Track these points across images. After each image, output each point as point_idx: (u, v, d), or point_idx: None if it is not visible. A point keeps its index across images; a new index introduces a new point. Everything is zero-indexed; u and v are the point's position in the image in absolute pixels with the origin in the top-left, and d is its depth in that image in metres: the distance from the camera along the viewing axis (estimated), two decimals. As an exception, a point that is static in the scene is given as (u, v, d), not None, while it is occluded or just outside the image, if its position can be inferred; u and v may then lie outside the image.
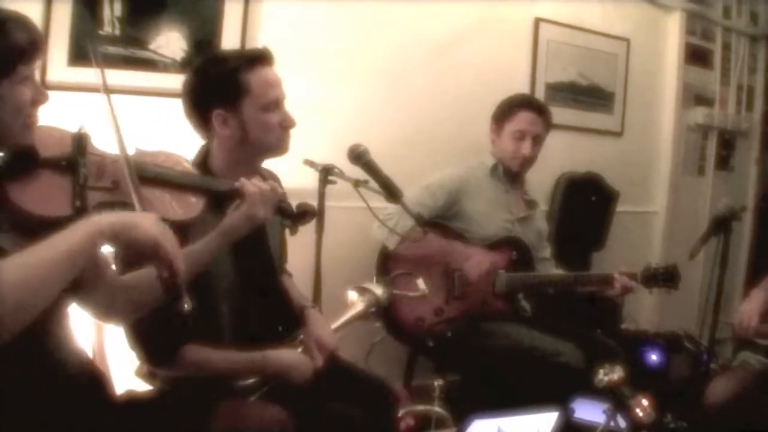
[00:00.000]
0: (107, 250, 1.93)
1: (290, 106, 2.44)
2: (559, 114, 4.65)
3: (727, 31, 5.78)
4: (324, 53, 3.50)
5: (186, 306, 1.68)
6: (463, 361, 3.41)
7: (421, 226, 3.00)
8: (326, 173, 2.58)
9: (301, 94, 2.81)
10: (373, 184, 2.53)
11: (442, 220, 3.54)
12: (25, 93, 1.60)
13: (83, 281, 1.85)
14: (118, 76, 3.10)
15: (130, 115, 3.07)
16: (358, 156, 2.56)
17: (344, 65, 3.73)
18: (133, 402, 2.00)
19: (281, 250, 2.68)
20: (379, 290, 2.61)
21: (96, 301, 1.93)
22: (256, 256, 2.43)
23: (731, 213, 3.47)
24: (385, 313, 2.65)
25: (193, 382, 2.21)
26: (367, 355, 3.14)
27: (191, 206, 1.97)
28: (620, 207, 5.00)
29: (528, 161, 3.65)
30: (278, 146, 2.42)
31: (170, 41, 3.28)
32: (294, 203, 2.30)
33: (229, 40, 3.41)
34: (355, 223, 3.35)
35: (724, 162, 5.88)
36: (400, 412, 2.53)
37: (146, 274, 1.87)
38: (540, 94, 4.58)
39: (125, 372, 2.62)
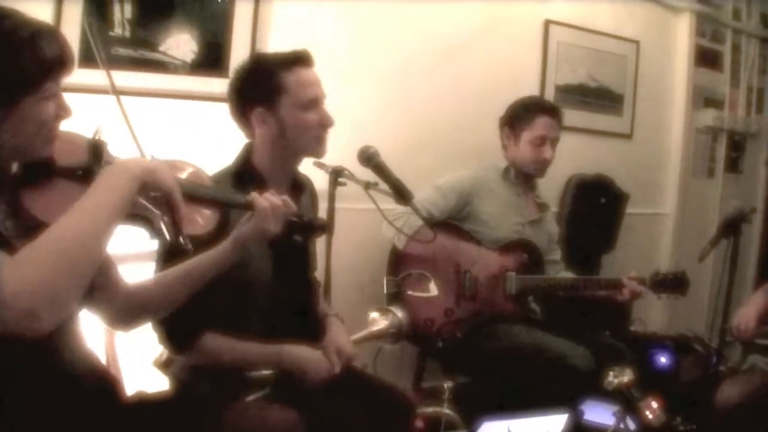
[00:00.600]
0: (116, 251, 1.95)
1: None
2: (569, 116, 4.63)
3: (737, 32, 5.76)
4: (334, 55, 3.51)
5: (188, 246, 1.72)
6: (472, 362, 3.41)
7: (431, 228, 3.01)
8: (336, 175, 2.60)
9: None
10: (383, 185, 2.54)
11: (454, 221, 3.53)
12: (49, 109, 1.59)
13: (93, 286, 1.86)
14: (128, 78, 3.11)
15: (140, 117, 3.10)
16: (369, 158, 2.57)
17: (354, 67, 3.73)
18: (143, 403, 2.01)
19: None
20: (400, 313, 2.61)
21: (105, 307, 1.94)
22: (293, 257, 2.47)
23: (741, 215, 3.47)
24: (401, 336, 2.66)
25: (207, 374, 2.27)
26: (375, 356, 3.13)
27: (207, 219, 1.96)
28: (630, 209, 4.98)
29: (547, 165, 3.66)
30: (316, 145, 2.48)
31: (180, 43, 3.28)
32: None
33: (239, 42, 3.40)
34: (365, 225, 3.35)
35: (733, 164, 5.86)
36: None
37: (153, 281, 1.88)
38: (550, 96, 4.57)
39: (137, 374, 2.63)
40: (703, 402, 3.15)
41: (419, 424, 2.57)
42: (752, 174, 6.01)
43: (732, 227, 3.45)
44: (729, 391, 3.04)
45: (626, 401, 2.43)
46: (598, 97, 4.90)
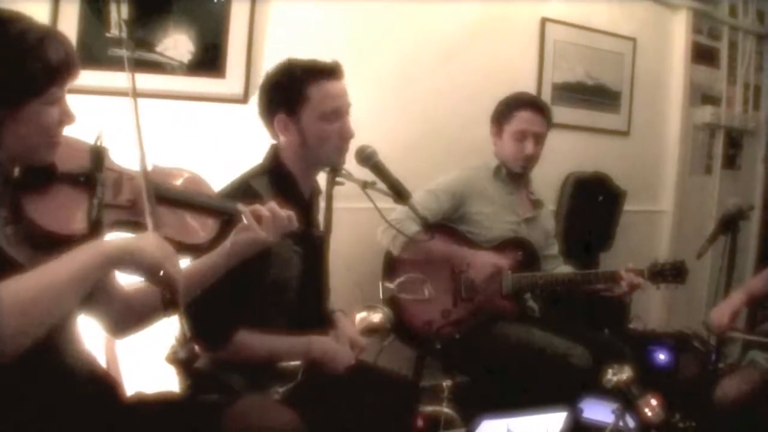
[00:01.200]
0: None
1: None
2: (566, 114, 4.66)
3: (734, 29, 5.77)
4: (330, 55, 3.50)
5: (186, 331, 1.69)
6: (471, 362, 3.41)
7: (427, 229, 3.02)
8: (334, 174, 2.60)
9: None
10: (381, 185, 2.54)
11: (448, 223, 3.53)
12: (53, 114, 1.59)
13: (91, 295, 1.86)
14: (125, 79, 3.10)
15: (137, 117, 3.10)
16: (367, 157, 2.57)
17: (351, 67, 3.70)
18: (143, 405, 2.01)
19: None
20: (387, 309, 2.63)
21: (103, 312, 1.94)
22: (316, 255, 2.54)
23: (739, 212, 3.47)
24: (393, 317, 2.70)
25: (237, 366, 2.35)
26: (375, 357, 3.14)
27: (207, 228, 1.96)
28: (627, 207, 4.99)
29: (531, 161, 3.64)
30: (335, 156, 2.54)
31: (177, 43, 3.28)
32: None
33: (236, 43, 3.41)
34: (364, 225, 3.35)
35: (731, 161, 5.87)
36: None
37: (151, 288, 1.88)
38: (547, 94, 4.58)
39: (136, 375, 2.63)
40: (703, 399, 3.15)
41: (419, 422, 2.58)
42: (750, 171, 6.02)
43: (730, 224, 3.46)
44: (728, 388, 3.04)
45: (625, 399, 2.43)
46: (595, 95, 4.91)
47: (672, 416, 3.12)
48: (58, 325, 1.72)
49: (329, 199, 2.61)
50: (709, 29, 5.60)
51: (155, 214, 1.75)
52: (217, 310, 2.05)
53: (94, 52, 3.04)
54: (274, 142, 2.62)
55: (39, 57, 1.54)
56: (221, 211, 2.00)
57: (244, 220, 1.98)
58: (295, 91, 2.48)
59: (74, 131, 1.71)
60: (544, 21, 4.59)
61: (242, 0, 3.42)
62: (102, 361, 2.21)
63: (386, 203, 2.63)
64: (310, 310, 2.58)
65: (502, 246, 3.54)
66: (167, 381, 2.53)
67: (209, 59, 3.37)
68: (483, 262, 3.43)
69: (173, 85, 3.27)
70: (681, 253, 3.60)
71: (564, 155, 4.71)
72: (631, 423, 2.42)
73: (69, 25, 2.96)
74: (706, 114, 5.53)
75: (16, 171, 1.62)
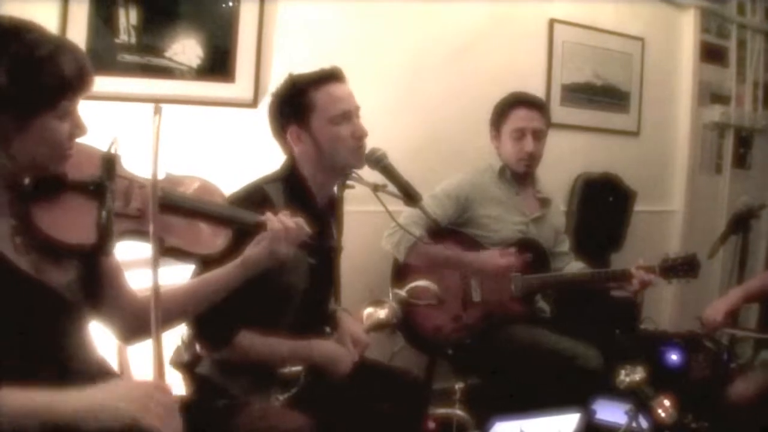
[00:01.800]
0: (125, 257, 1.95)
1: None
2: (575, 115, 4.66)
3: (742, 28, 5.75)
4: (339, 58, 3.49)
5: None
6: (482, 364, 3.40)
7: (434, 233, 3.03)
8: (344, 178, 2.60)
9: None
10: (391, 188, 2.54)
11: (456, 227, 3.52)
12: (64, 127, 1.59)
13: (103, 301, 1.86)
14: (134, 85, 3.12)
15: (147, 123, 3.10)
16: (377, 160, 2.57)
17: (359, 70, 3.70)
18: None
19: None
20: (394, 304, 2.63)
21: (114, 317, 1.94)
22: (326, 263, 2.57)
23: (749, 211, 3.47)
24: (403, 323, 2.71)
25: (239, 372, 2.35)
26: (389, 360, 3.16)
27: (221, 238, 1.95)
28: (638, 207, 4.98)
29: (533, 159, 3.60)
30: (351, 157, 2.54)
31: (186, 48, 3.28)
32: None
33: (245, 47, 3.41)
34: (374, 228, 3.35)
35: (741, 160, 5.85)
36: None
37: (165, 294, 1.87)
38: (556, 95, 4.58)
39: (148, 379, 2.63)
40: (715, 399, 3.14)
41: (432, 425, 2.58)
42: (760, 169, 5.98)
43: (741, 223, 3.46)
44: (741, 388, 3.04)
45: (638, 400, 2.43)
46: (605, 95, 4.90)
47: (685, 417, 3.11)
48: (70, 332, 1.73)
49: (339, 202, 2.62)
50: (718, 28, 5.58)
51: (163, 224, 1.75)
52: (220, 311, 2.05)
53: (103, 57, 3.05)
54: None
55: (51, 70, 1.53)
56: (235, 221, 2.00)
57: (269, 227, 2.00)
58: (300, 100, 2.50)
59: (83, 138, 1.70)
60: (552, 22, 4.59)
61: (251, 4, 3.42)
62: (114, 366, 2.21)
63: (396, 206, 2.63)
64: (315, 314, 2.59)
65: (511, 248, 3.52)
66: (177, 386, 2.54)
67: (218, 64, 3.37)
68: (491, 264, 3.42)
69: (182, 90, 3.27)
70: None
71: (574, 156, 4.70)
72: (644, 424, 2.41)
73: (78, 31, 2.96)
74: (715, 113, 5.51)
75: (27, 181, 1.61)
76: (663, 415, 2.40)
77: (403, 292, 2.64)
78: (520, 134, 3.55)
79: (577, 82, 4.73)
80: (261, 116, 2.75)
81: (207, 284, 1.99)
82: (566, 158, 4.58)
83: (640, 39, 5.07)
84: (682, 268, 3.42)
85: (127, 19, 3.11)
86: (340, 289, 2.71)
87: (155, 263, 1.59)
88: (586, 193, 4.74)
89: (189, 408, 2.14)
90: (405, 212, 3.14)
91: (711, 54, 5.52)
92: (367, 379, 2.53)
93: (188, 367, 2.41)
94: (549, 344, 3.29)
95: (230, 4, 3.37)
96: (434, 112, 4.09)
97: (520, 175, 3.66)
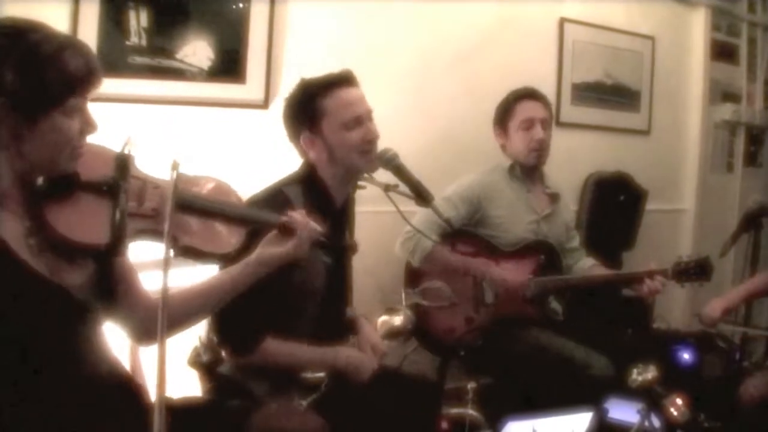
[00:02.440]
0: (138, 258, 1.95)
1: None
2: (586, 114, 4.66)
3: (753, 26, 5.73)
4: (349, 58, 3.50)
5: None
6: (494, 364, 3.39)
7: (448, 235, 3.03)
8: (356, 178, 2.61)
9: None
10: (403, 188, 2.54)
11: (468, 228, 3.51)
12: (73, 125, 1.60)
13: (117, 302, 1.87)
14: (145, 86, 3.13)
15: (159, 124, 3.12)
16: (388, 160, 2.57)
17: (370, 71, 3.70)
18: (168, 410, 2.01)
19: None
20: (408, 311, 2.63)
21: (127, 318, 1.94)
22: (341, 265, 2.59)
23: (761, 209, 3.46)
24: (416, 325, 2.71)
25: (262, 374, 2.37)
26: (400, 364, 3.15)
27: (236, 237, 1.95)
28: (649, 206, 4.96)
29: (543, 148, 3.58)
30: (362, 160, 2.54)
31: (197, 50, 3.29)
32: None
33: (256, 48, 3.42)
34: (386, 228, 3.34)
35: (752, 158, 5.82)
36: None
37: (174, 295, 1.88)
38: (566, 95, 4.58)
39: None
40: (728, 398, 3.13)
41: (444, 425, 2.58)
42: (772, 168, 5.96)
43: (752, 222, 3.45)
44: (753, 387, 3.03)
45: (650, 399, 2.43)
46: (615, 95, 4.89)
47: (697, 416, 3.10)
48: (83, 333, 1.74)
49: (351, 202, 2.63)
50: (728, 26, 5.56)
51: (177, 223, 1.75)
52: (244, 317, 2.07)
53: (114, 60, 3.06)
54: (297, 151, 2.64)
55: (57, 67, 1.54)
56: (250, 220, 2.00)
57: (297, 227, 2.01)
58: (311, 106, 2.51)
59: (93, 138, 1.71)
60: (562, 21, 4.58)
61: (261, 5, 3.43)
62: (127, 367, 2.22)
63: (408, 206, 2.63)
64: (333, 317, 2.61)
65: (524, 250, 3.51)
66: (191, 386, 2.55)
67: (229, 65, 3.38)
68: (502, 280, 3.40)
69: (193, 92, 3.28)
70: (704, 252, 3.56)
71: (585, 155, 4.70)
72: (656, 423, 2.41)
73: (89, 33, 2.98)
74: (726, 111, 5.49)
75: (40, 181, 1.62)
76: (675, 414, 2.40)
77: (415, 293, 2.65)
78: (528, 124, 3.54)
79: (587, 81, 4.72)
80: (272, 117, 2.76)
81: (221, 283, 2.00)
82: (577, 157, 4.58)
83: (651, 38, 5.05)
84: (695, 271, 3.39)
85: (138, 21, 3.12)
86: (351, 290, 2.73)
87: (167, 263, 1.59)
88: (597, 193, 4.72)
89: (211, 408, 2.16)
90: (418, 216, 3.14)
91: (722, 52, 5.51)
92: (382, 384, 2.54)
93: (208, 367, 2.43)
94: (560, 352, 3.26)
95: (241, 5, 3.39)
96: (445, 112, 4.09)
97: (530, 171, 3.64)
